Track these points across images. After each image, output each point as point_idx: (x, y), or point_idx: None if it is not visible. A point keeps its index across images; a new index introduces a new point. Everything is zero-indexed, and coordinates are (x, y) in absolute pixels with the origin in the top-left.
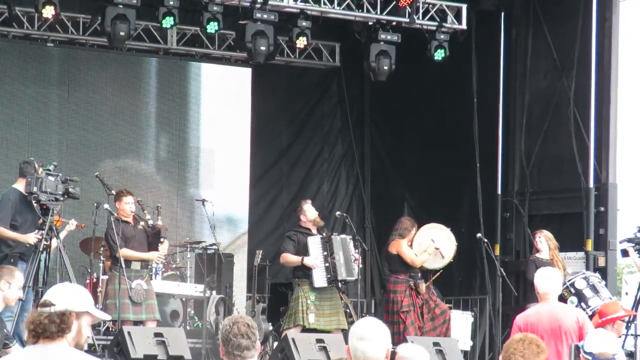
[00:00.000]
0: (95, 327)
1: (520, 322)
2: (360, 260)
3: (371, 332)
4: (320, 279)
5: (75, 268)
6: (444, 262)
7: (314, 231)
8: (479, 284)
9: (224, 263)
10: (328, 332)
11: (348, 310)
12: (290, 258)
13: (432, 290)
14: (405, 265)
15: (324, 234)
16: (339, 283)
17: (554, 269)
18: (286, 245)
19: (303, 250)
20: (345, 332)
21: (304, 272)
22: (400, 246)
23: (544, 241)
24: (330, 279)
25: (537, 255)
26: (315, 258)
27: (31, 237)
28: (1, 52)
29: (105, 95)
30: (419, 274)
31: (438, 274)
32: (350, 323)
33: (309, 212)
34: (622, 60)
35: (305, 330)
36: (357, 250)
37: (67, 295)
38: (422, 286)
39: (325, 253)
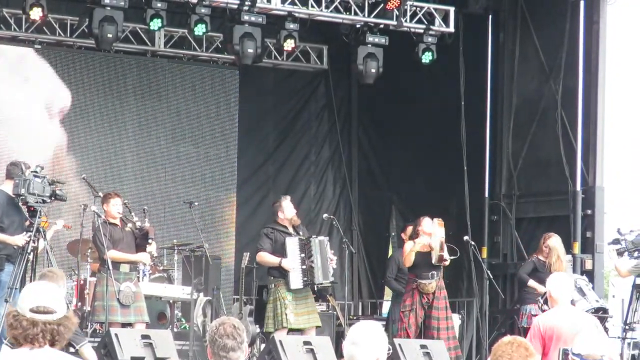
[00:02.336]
0: (82, 329)
1: (541, 323)
2: (335, 261)
3: (363, 337)
4: (296, 280)
5: (63, 270)
6: (433, 256)
7: (291, 229)
8: (466, 286)
9: (211, 265)
10: (304, 330)
11: (335, 313)
12: (268, 258)
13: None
14: (411, 266)
15: (302, 235)
16: (316, 286)
17: (565, 274)
18: (263, 243)
19: (280, 249)
20: (319, 329)
21: (280, 272)
22: (404, 248)
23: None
24: (306, 282)
25: (540, 257)
26: (292, 260)
27: (20, 239)
28: None
29: (92, 97)
30: (430, 273)
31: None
32: (338, 326)
33: (287, 210)
34: (609, 63)
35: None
36: (332, 251)
37: (62, 297)
38: (426, 286)
39: (303, 255)
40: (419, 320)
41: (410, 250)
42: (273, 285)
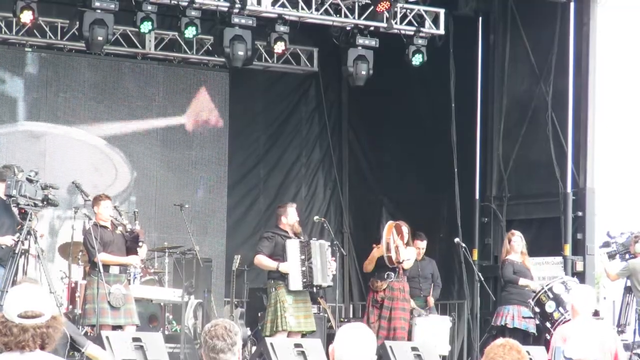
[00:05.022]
0: None
1: (562, 333)
2: (335, 266)
3: (359, 339)
4: (296, 282)
5: (54, 273)
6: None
7: (292, 235)
8: (457, 288)
9: (202, 268)
10: (293, 332)
11: (326, 315)
12: (265, 262)
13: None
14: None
15: (303, 239)
16: (314, 288)
17: (590, 287)
18: (262, 246)
19: (280, 252)
20: (313, 334)
21: (280, 274)
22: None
23: (520, 242)
24: (305, 283)
25: (510, 257)
26: (292, 262)
27: (7, 239)
28: None
29: (82, 99)
30: (385, 274)
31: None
32: (329, 328)
33: (290, 216)
34: (600, 65)
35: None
36: (333, 258)
37: (48, 299)
38: (376, 283)
39: (303, 257)
40: (372, 318)
41: (371, 257)
42: (274, 288)
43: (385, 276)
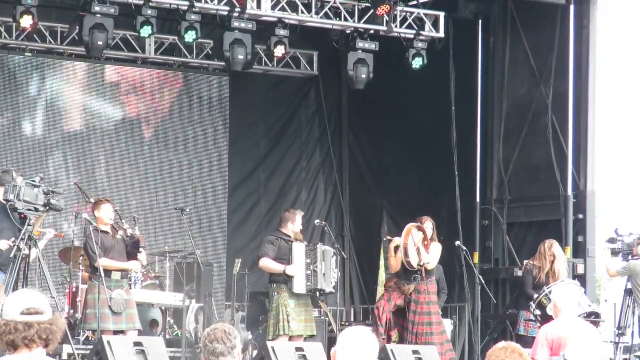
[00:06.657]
0: (74, 336)
1: (548, 333)
2: (337, 276)
3: (361, 342)
4: (300, 285)
5: (55, 278)
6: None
7: (294, 240)
8: (458, 291)
9: (203, 272)
10: (295, 337)
11: (328, 319)
12: (272, 265)
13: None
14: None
15: (309, 243)
16: (317, 293)
17: (574, 286)
18: (266, 249)
19: (284, 256)
20: (314, 339)
21: (284, 278)
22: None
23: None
24: (309, 287)
25: (535, 262)
26: (297, 265)
27: (2, 243)
28: None
29: (82, 104)
30: (412, 276)
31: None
32: (330, 332)
33: (297, 223)
34: (600, 67)
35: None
36: (337, 268)
37: (46, 300)
38: (405, 287)
39: (309, 261)
40: (397, 325)
41: (396, 259)
42: (276, 293)
43: (412, 279)
